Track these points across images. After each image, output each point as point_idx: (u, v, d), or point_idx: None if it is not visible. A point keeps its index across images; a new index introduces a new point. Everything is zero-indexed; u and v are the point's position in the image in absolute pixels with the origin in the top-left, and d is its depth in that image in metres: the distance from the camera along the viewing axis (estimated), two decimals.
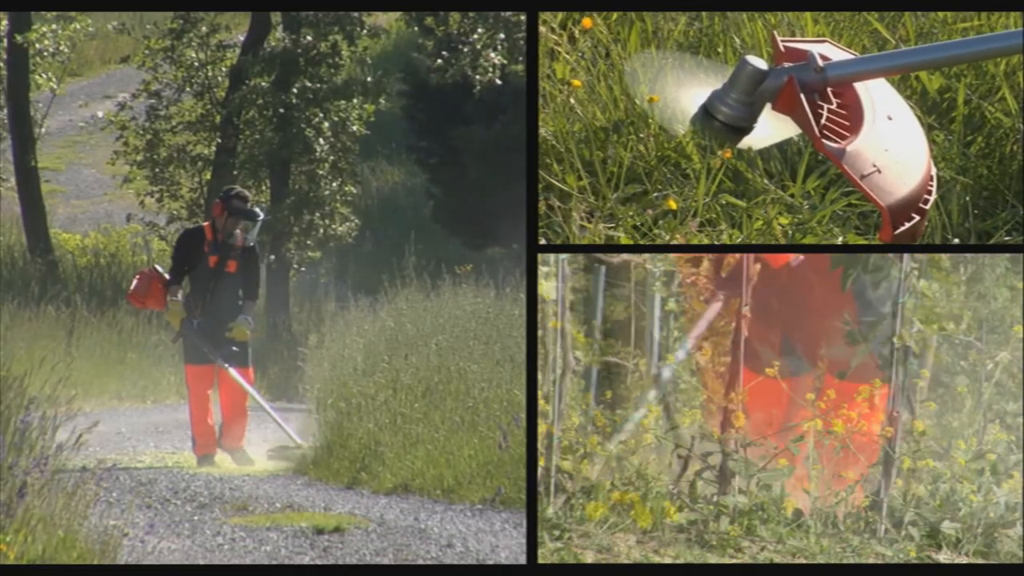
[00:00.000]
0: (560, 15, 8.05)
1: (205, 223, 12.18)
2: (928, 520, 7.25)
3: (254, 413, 12.00)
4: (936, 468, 7.43)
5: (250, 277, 11.94)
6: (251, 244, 11.92)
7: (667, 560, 6.87)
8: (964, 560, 7.12)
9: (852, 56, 7.19)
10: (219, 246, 11.83)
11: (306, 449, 11.56)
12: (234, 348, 11.78)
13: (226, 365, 11.70)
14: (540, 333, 7.50)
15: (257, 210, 12.01)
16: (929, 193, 6.93)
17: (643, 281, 11.93)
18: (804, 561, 6.96)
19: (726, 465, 7.29)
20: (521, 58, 19.91)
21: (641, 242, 7.41)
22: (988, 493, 7.26)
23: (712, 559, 6.93)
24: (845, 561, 6.99)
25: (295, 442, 11.73)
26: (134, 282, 12.06)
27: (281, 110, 21.00)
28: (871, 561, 7.02)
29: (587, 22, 7.85)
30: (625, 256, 7.63)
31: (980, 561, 7.15)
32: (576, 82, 7.72)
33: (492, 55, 19.96)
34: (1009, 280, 12.07)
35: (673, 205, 7.41)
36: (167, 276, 11.92)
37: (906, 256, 7.57)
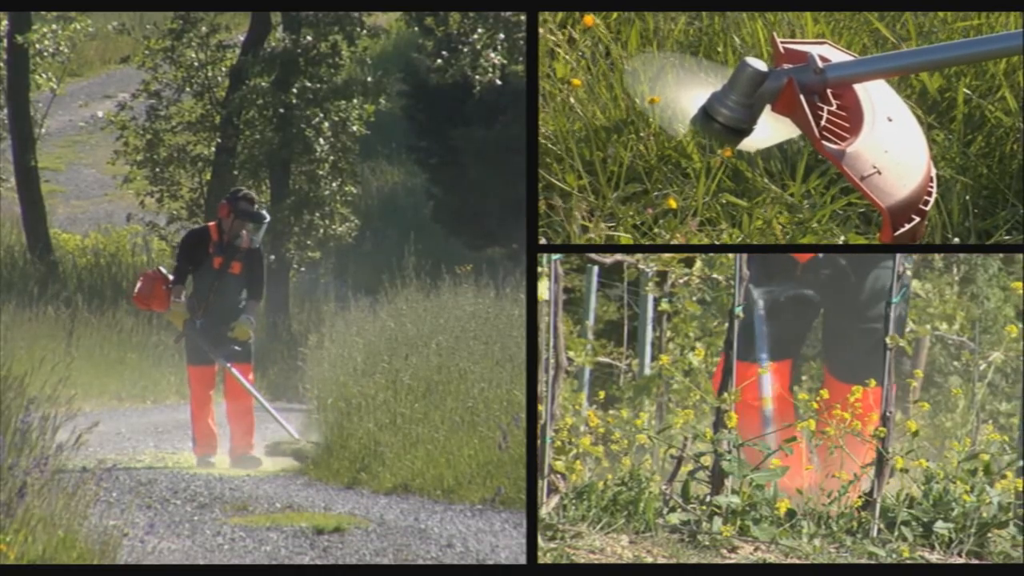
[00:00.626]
0: (560, 15, 8.05)
1: (210, 223, 12.13)
2: (921, 520, 7.25)
3: (255, 415, 11.99)
4: (929, 468, 7.43)
5: (254, 278, 11.91)
6: (256, 246, 11.90)
7: (660, 561, 6.87)
8: (957, 560, 7.12)
9: (852, 57, 7.19)
10: (224, 247, 11.81)
11: (303, 443, 11.55)
12: (236, 348, 11.77)
13: (228, 364, 11.69)
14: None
15: (264, 212, 11.99)
16: (929, 194, 6.93)
17: (636, 281, 11.94)
18: (797, 561, 6.96)
19: (719, 465, 7.28)
20: (521, 58, 19.91)
21: (641, 242, 7.41)
22: (981, 493, 7.26)
23: (705, 559, 6.94)
24: (838, 561, 6.99)
25: (292, 436, 11.73)
26: (138, 283, 12.01)
27: (281, 110, 21.00)
28: (864, 561, 7.02)
29: (588, 19, 7.85)
30: (618, 256, 7.63)
31: (973, 561, 7.15)
32: (576, 81, 7.72)
33: (492, 55, 19.96)
34: (1002, 280, 12.09)
35: (673, 204, 7.41)
36: (171, 277, 11.89)
37: (898, 256, 7.57)
